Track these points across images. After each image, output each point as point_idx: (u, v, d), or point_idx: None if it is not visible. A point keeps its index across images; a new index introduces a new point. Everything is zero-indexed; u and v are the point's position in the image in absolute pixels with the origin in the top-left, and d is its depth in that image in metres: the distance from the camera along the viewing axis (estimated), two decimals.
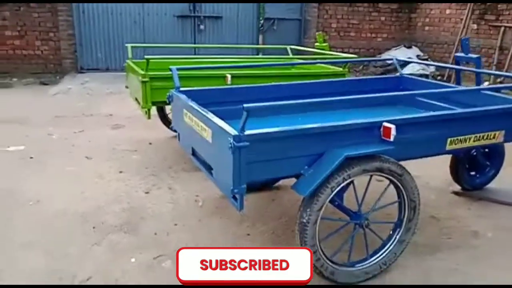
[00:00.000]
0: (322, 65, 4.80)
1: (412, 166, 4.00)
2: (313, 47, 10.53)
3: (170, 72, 3.84)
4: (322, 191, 2.29)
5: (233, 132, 2.13)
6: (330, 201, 2.51)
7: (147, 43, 9.13)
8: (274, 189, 3.69)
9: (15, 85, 8.54)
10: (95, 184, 3.85)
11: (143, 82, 3.86)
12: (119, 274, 2.60)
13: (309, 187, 2.26)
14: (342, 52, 10.89)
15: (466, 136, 2.74)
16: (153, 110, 4.53)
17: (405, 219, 2.59)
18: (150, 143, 4.96)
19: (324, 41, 5.26)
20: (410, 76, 3.89)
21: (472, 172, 3.76)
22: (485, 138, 2.82)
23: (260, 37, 9.92)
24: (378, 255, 2.60)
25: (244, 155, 2.12)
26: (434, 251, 2.91)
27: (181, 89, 3.16)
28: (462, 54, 3.86)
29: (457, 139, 2.72)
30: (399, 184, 2.50)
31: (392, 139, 2.36)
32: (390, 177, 2.47)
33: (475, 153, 3.59)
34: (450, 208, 3.53)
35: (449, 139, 2.69)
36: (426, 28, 10.70)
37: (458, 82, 3.90)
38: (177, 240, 2.98)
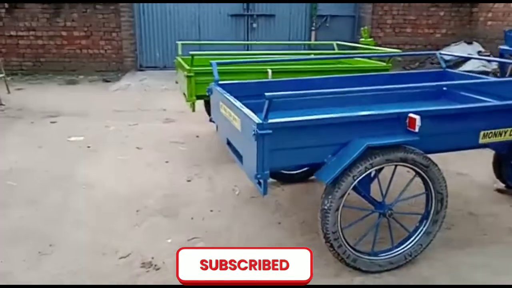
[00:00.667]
0: (366, 60, 4.79)
1: (459, 163, 4.00)
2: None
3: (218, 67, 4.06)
4: (344, 179, 2.35)
5: (257, 120, 2.25)
6: (356, 191, 2.58)
7: (202, 41, 9.46)
8: (309, 182, 3.76)
9: (81, 81, 9.17)
10: (142, 172, 4.12)
11: (188, 76, 4.07)
12: (155, 252, 2.80)
13: (331, 175, 2.33)
14: (398, 49, 10.73)
15: (501, 130, 2.68)
16: (201, 105, 4.76)
17: (432, 211, 2.59)
18: (197, 136, 5.19)
19: (370, 36, 5.22)
20: (453, 71, 3.81)
21: None
22: None
23: (313, 34, 9.94)
24: (403, 246, 2.62)
25: (267, 142, 2.24)
26: (466, 246, 2.87)
27: (220, 82, 3.32)
28: (506, 47, 3.73)
29: (491, 132, 2.67)
30: (425, 176, 2.51)
31: (417, 130, 2.37)
32: (416, 168, 2.48)
33: None
34: (491, 205, 3.44)
35: (482, 132, 2.65)
36: (489, 23, 10.20)
37: (502, 76, 3.77)
38: (211, 224, 3.15)
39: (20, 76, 9.60)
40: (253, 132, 2.21)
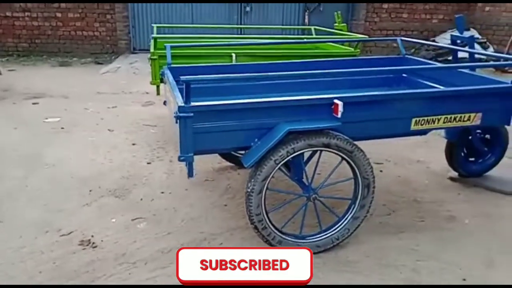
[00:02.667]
0: (336, 45, 4.79)
1: (421, 150, 4.03)
2: (363, 29, 10.39)
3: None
4: (266, 163, 2.41)
5: (180, 103, 2.31)
6: (288, 174, 2.64)
7: (196, 23, 9.49)
8: None
9: (73, 64, 9.27)
10: (107, 153, 4.21)
11: (151, 59, 4.13)
12: (97, 231, 2.90)
13: (251, 159, 2.40)
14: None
15: (433, 117, 2.70)
16: None
17: (359, 196, 2.63)
18: None
19: (342, 21, 5.20)
20: (413, 57, 3.81)
21: (471, 158, 3.63)
22: (457, 120, 2.76)
23: (306, 18, 9.87)
24: (331, 230, 2.68)
25: (188, 125, 2.30)
26: (400, 231, 2.92)
27: (172, 66, 3.38)
28: (457, 34, 3.71)
29: (423, 119, 2.69)
30: (350, 161, 2.55)
31: (339, 115, 2.41)
32: (340, 154, 2.52)
33: (471, 138, 3.46)
34: (439, 192, 3.47)
35: (414, 119, 2.67)
36: (487, 8, 10.04)
37: (454, 61, 3.74)
38: (158, 205, 3.25)
39: (15, 57, 9.73)
40: (175, 115, 2.28)
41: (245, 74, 2.85)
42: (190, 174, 2.44)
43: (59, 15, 9.82)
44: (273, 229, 2.56)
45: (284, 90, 3.29)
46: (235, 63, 3.70)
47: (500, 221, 3.04)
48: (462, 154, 3.60)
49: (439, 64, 3.58)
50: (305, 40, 4.68)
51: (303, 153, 2.59)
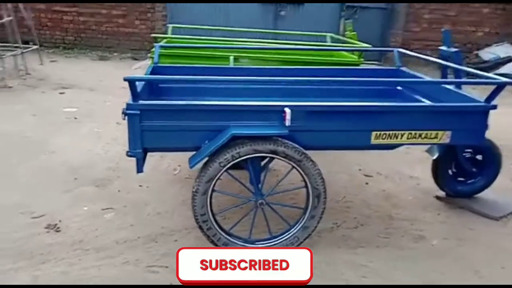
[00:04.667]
0: (341, 53, 4.71)
1: (417, 166, 3.90)
2: (401, 39, 10.12)
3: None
4: (211, 165, 2.45)
5: (130, 101, 2.39)
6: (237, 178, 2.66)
7: (229, 25, 9.61)
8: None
9: (112, 58, 9.69)
10: (106, 145, 4.40)
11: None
12: (65, 217, 3.06)
13: (195, 160, 2.44)
14: (434, 45, 10.26)
15: (396, 132, 2.62)
16: None
17: (309, 206, 2.60)
18: None
19: (352, 30, 5.09)
20: (407, 70, 3.68)
21: (460, 178, 3.47)
22: (423, 136, 2.66)
23: (341, 25, 9.73)
24: (281, 237, 2.67)
25: (135, 122, 2.38)
26: (359, 245, 2.85)
27: (159, 65, 3.50)
28: (445, 48, 3.54)
29: (384, 133, 2.61)
30: (300, 170, 2.53)
31: (287, 124, 2.40)
32: (289, 162, 2.51)
33: (458, 158, 3.31)
34: (418, 210, 3.35)
35: (374, 133, 2.61)
36: None
37: (443, 77, 3.57)
38: (132, 198, 3.36)
39: (61, 49, 10.31)
40: (122, 111, 2.37)
41: (200, 77, 2.89)
42: (139, 170, 2.52)
43: (104, 11, 10.28)
44: (219, 230, 2.58)
45: (275, 95, 3.29)
46: (224, 66, 3.74)
47: (469, 247, 2.89)
48: (450, 173, 3.44)
49: (427, 79, 3.42)
50: (301, 46, 4.63)
51: (258, 158, 2.60)
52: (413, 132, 2.64)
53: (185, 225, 3.00)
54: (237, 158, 2.45)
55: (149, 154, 4.11)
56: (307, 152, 2.51)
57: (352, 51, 4.51)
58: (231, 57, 4.14)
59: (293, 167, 2.54)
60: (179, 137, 2.48)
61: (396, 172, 4.03)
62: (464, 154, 3.34)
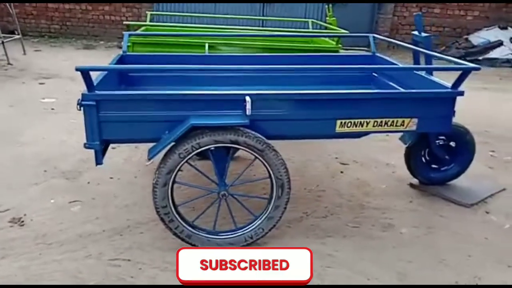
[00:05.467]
0: (321, 39, 4.64)
1: (394, 154, 3.84)
2: (390, 23, 10.02)
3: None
4: (170, 156, 2.40)
5: (85, 91, 2.33)
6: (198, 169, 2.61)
7: (217, 13, 9.52)
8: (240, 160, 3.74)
9: (97, 47, 9.58)
10: (79, 136, 4.30)
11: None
12: (31, 211, 3.01)
13: (154, 152, 2.39)
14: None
15: (361, 120, 2.57)
16: None
17: (274, 196, 2.56)
18: None
19: (333, 15, 5.00)
20: (382, 56, 3.61)
21: (434, 165, 3.44)
22: (389, 124, 2.61)
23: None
24: (246, 228, 2.63)
25: (92, 113, 2.33)
26: (327, 235, 2.82)
27: (128, 53, 3.43)
28: (417, 33, 3.47)
29: (349, 121, 2.57)
30: (262, 160, 2.48)
31: (248, 113, 2.35)
32: (252, 152, 2.46)
33: (432, 145, 3.26)
34: (390, 199, 3.31)
35: (338, 121, 2.56)
36: None
37: (415, 63, 3.51)
38: (101, 190, 3.32)
39: (46, 38, 10.19)
40: (77, 102, 2.31)
41: (151, 66, 2.88)
42: (98, 161, 2.47)
43: None
44: (181, 222, 2.54)
45: (248, 83, 3.23)
46: (196, 54, 3.66)
47: (438, 234, 2.86)
48: (423, 160, 3.40)
49: (400, 65, 3.36)
50: (275, 33, 4.56)
51: (221, 148, 2.54)
52: (378, 120, 2.60)
53: (152, 217, 2.93)
54: (197, 149, 2.40)
55: (123, 145, 4.10)
56: (271, 141, 2.46)
57: (326, 37, 4.44)
58: (206, 45, 4.07)
59: (256, 157, 2.49)
60: (138, 128, 2.43)
61: (373, 160, 3.99)
62: (437, 141, 3.30)
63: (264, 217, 2.61)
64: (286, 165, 2.52)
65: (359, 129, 2.60)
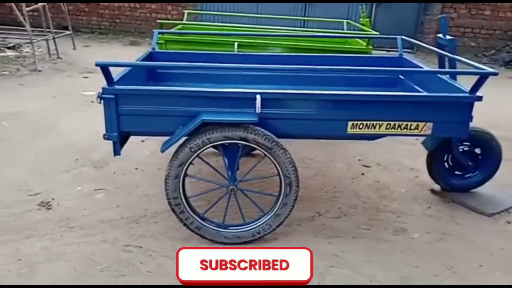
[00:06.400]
0: (354, 40, 4.62)
1: (419, 159, 3.78)
2: (436, 25, 9.73)
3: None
4: (182, 150, 2.51)
5: (105, 85, 2.48)
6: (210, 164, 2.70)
7: (260, 13, 9.62)
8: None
9: (143, 44, 9.91)
10: None
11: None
12: (60, 195, 3.21)
13: (166, 145, 2.50)
14: (472, 32, 9.84)
15: (373, 122, 2.57)
16: None
17: (282, 194, 2.61)
18: None
19: (366, 16, 4.92)
20: (409, 59, 3.55)
21: (457, 172, 3.35)
22: (402, 127, 2.59)
23: (373, 10, 9.50)
24: (254, 223, 2.69)
25: (111, 106, 2.47)
26: (336, 235, 2.83)
27: (157, 51, 3.59)
28: (441, 36, 3.36)
29: (361, 123, 2.57)
30: (271, 158, 2.53)
31: (257, 111, 2.41)
32: (260, 149, 2.52)
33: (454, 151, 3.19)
34: (408, 203, 3.27)
35: (350, 123, 2.57)
36: None
37: (440, 66, 3.39)
38: (126, 180, 3.49)
39: (96, 34, 10.66)
40: (98, 95, 2.46)
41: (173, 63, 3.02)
42: (116, 152, 2.61)
43: None
44: (192, 214, 2.64)
45: (277, 82, 3.33)
46: (223, 53, 3.76)
47: (451, 242, 2.80)
48: (446, 166, 3.33)
49: (426, 69, 3.28)
50: (304, 34, 4.57)
51: (233, 144, 2.61)
52: (391, 122, 2.58)
53: (168, 208, 3.04)
54: (207, 144, 2.49)
55: (151, 139, 4.26)
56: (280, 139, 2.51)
57: (355, 37, 4.42)
58: (235, 44, 4.17)
59: (265, 154, 2.55)
60: (154, 122, 2.55)
61: (397, 164, 3.94)
62: (461, 147, 3.22)
63: (272, 213, 2.66)
64: (294, 163, 2.56)
65: (371, 131, 2.60)
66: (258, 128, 2.48)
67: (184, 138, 2.54)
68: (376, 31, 4.48)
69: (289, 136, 2.62)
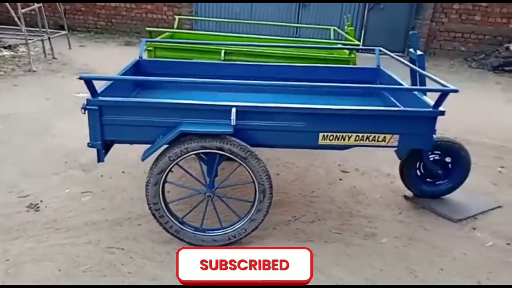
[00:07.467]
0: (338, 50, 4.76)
1: (390, 164, 3.92)
2: (428, 30, 9.89)
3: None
4: (161, 158, 2.66)
5: (89, 97, 2.63)
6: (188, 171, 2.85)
7: (254, 19, 9.80)
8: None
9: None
10: None
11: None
12: (47, 197, 3.37)
13: (146, 154, 2.66)
14: (462, 37, 9.99)
15: (343, 134, 2.72)
16: None
17: (256, 200, 2.76)
18: None
19: (351, 25, 5.04)
20: (385, 70, 3.69)
21: (429, 179, 3.51)
22: (371, 139, 2.75)
23: (366, 14, 9.64)
24: (230, 228, 2.85)
25: (95, 116, 2.63)
26: (308, 240, 2.99)
27: (144, 59, 3.73)
28: (412, 51, 3.50)
29: (332, 135, 2.73)
30: (246, 166, 2.68)
31: (233, 123, 2.56)
32: (236, 159, 2.67)
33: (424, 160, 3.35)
34: (381, 209, 3.43)
35: (321, 134, 2.72)
36: None
37: (413, 84, 3.52)
38: (113, 183, 3.64)
39: (92, 34, 10.78)
40: (82, 106, 2.61)
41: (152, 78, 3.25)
42: (99, 159, 2.76)
43: None
44: (171, 218, 2.80)
45: (256, 91, 3.48)
46: (209, 62, 3.92)
47: (417, 246, 2.96)
48: (418, 173, 3.49)
49: (404, 86, 3.39)
50: (289, 45, 4.72)
51: (213, 153, 2.75)
52: (360, 134, 2.73)
53: None
54: (185, 153, 2.64)
55: None
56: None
57: (335, 49, 4.57)
58: (222, 52, 4.31)
59: (240, 163, 2.70)
60: (135, 132, 2.69)
61: (374, 170, 4.10)
62: (432, 155, 3.39)
63: (247, 218, 2.82)
64: (268, 172, 2.72)
65: (341, 142, 2.75)
66: (234, 138, 2.63)
67: (164, 147, 2.69)
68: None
69: (263, 146, 2.78)
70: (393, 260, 2.81)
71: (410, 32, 3.68)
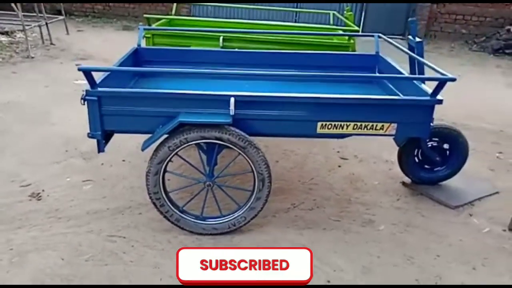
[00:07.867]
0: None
1: (389, 151, 3.93)
2: (429, 11, 9.82)
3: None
4: (161, 148, 2.68)
5: (88, 88, 2.64)
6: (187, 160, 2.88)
7: (253, 4, 9.67)
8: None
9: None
10: None
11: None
12: (49, 186, 3.40)
13: (145, 144, 2.68)
14: (463, 19, 9.92)
15: (341, 122, 2.74)
16: None
17: (255, 189, 2.79)
18: None
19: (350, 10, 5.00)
20: (384, 57, 3.69)
21: (427, 166, 3.54)
22: (369, 128, 2.77)
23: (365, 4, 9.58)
24: (230, 216, 2.89)
25: (95, 107, 2.64)
26: (307, 227, 3.03)
27: (142, 47, 3.73)
28: (411, 38, 3.50)
29: (330, 124, 2.74)
30: (245, 156, 2.71)
31: (231, 113, 2.58)
32: (235, 148, 2.69)
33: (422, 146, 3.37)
34: (379, 195, 3.47)
35: (319, 123, 2.74)
36: None
37: (411, 72, 3.52)
38: (113, 171, 3.67)
39: (90, 18, 10.70)
40: (81, 97, 2.62)
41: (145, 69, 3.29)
42: (100, 149, 2.78)
43: None
44: (171, 207, 2.83)
45: (256, 78, 3.50)
46: (207, 49, 3.91)
47: (414, 233, 3.00)
48: (416, 160, 3.52)
49: (402, 74, 3.38)
50: (288, 31, 4.69)
51: (209, 142, 2.77)
52: (358, 123, 2.75)
53: None
54: (185, 143, 2.66)
55: None
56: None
57: (333, 35, 4.55)
58: (221, 38, 4.29)
59: (239, 153, 2.73)
60: (135, 122, 2.71)
61: (373, 156, 4.12)
62: (430, 142, 3.41)
63: (246, 207, 2.85)
64: (267, 161, 2.74)
65: (339, 131, 2.77)
66: (233, 128, 2.65)
67: (164, 137, 2.71)
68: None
69: (262, 135, 2.79)
70: (390, 247, 2.86)
71: (409, 19, 3.66)
